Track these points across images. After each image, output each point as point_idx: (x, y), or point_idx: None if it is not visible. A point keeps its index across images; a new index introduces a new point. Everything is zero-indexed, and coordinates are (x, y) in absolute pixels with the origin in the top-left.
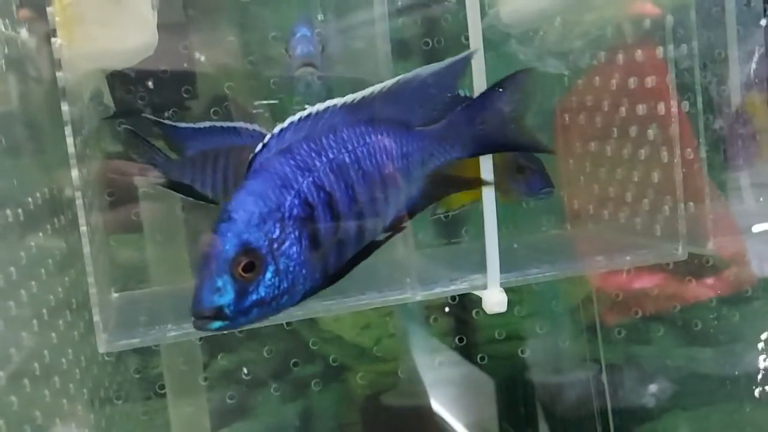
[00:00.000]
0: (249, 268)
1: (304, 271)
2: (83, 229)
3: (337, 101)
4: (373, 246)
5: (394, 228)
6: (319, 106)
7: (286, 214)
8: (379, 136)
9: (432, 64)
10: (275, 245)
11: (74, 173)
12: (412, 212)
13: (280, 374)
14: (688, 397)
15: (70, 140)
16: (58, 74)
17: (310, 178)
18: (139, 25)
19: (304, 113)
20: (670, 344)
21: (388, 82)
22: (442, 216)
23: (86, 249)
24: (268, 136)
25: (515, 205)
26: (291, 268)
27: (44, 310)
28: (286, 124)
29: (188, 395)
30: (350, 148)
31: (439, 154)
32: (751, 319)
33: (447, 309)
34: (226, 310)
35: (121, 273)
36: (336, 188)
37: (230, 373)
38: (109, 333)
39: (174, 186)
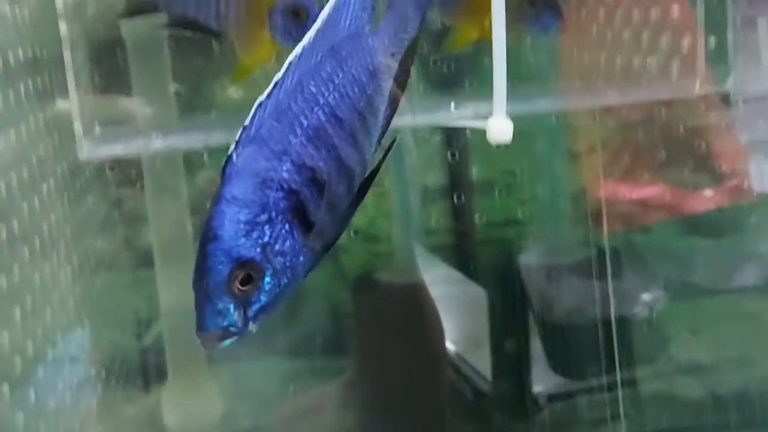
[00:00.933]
0: (246, 281)
1: (302, 258)
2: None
3: (297, 50)
4: (371, 177)
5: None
6: (280, 71)
7: (273, 213)
8: (344, 68)
9: None
10: (268, 249)
11: None
12: (394, 102)
13: None
14: (687, 288)
15: None
16: None
17: (288, 162)
18: None
19: (266, 92)
20: (670, 233)
21: (324, 11)
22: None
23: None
24: (233, 145)
25: (520, 38)
26: (288, 263)
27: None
28: (248, 120)
29: (177, 264)
30: (321, 101)
31: (399, 45)
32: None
33: None
34: (233, 329)
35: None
36: (317, 158)
37: None
38: (91, 140)
39: (179, 22)
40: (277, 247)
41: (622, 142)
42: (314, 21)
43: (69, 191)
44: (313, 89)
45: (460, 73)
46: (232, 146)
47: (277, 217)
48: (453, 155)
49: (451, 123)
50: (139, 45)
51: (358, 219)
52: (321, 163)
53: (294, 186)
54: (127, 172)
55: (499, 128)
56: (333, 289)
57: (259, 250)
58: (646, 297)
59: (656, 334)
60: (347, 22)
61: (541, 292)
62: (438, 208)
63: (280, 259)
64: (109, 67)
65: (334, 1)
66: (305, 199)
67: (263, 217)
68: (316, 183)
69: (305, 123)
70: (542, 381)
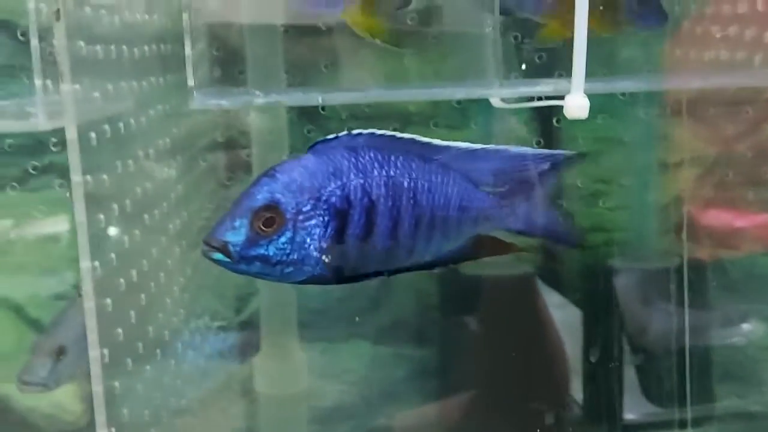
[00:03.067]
0: (268, 223)
1: (317, 255)
2: None
3: (421, 138)
4: (395, 272)
5: (422, 268)
6: (402, 134)
7: (324, 197)
8: (445, 180)
9: (526, 148)
10: (301, 217)
11: None
12: (444, 264)
13: None
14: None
15: None
16: None
17: (362, 181)
18: None
19: (386, 132)
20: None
21: (476, 145)
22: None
23: None
24: (343, 133)
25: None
26: (306, 245)
27: None
28: (364, 131)
29: None
30: (413, 176)
31: (494, 221)
32: None
33: None
34: (232, 249)
35: None
36: (382, 202)
37: None
38: (201, 92)
39: None
40: (308, 222)
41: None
42: None
43: (183, 161)
44: (413, 164)
45: (551, 64)
46: (336, 134)
47: (324, 203)
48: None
49: (529, 101)
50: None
51: None
52: (381, 208)
53: (352, 198)
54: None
55: (576, 104)
56: (421, 280)
57: (294, 210)
58: (744, 326)
59: (753, 363)
60: (488, 166)
61: (635, 316)
62: None
63: (303, 234)
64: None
65: (490, 151)
66: (351, 217)
67: (315, 193)
68: (367, 216)
69: (392, 174)
70: (634, 407)
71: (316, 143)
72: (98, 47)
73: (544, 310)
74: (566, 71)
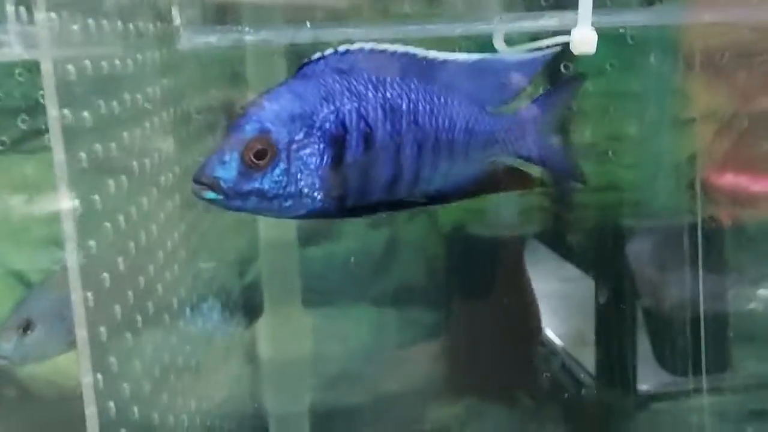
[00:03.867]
0: (260, 155)
1: (316, 186)
2: None
3: (417, 50)
4: (402, 204)
5: (434, 201)
6: (398, 47)
7: (317, 124)
8: (448, 102)
9: (521, 52)
10: (294, 146)
11: None
12: (458, 195)
13: None
14: None
15: None
16: None
17: (357, 104)
18: None
19: (379, 46)
20: None
21: (474, 56)
22: None
23: None
24: (330, 51)
25: None
26: (302, 176)
27: None
28: (354, 46)
29: None
30: (413, 97)
31: (504, 146)
32: None
33: None
34: (223, 185)
35: None
36: (380, 126)
37: None
38: (189, 30)
39: None
40: (302, 152)
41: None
42: None
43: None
44: (412, 85)
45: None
46: (321, 53)
47: (318, 129)
48: None
49: (536, 26)
50: None
51: None
52: (380, 132)
53: (347, 122)
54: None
55: (584, 38)
56: (427, 243)
57: (286, 139)
58: (763, 291)
59: None
60: (491, 80)
61: (649, 280)
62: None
63: (298, 164)
64: None
65: (489, 60)
66: (348, 143)
67: (307, 120)
68: (366, 141)
69: (389, 95)
70: (649, 377)
71: (303, 65)
72: None
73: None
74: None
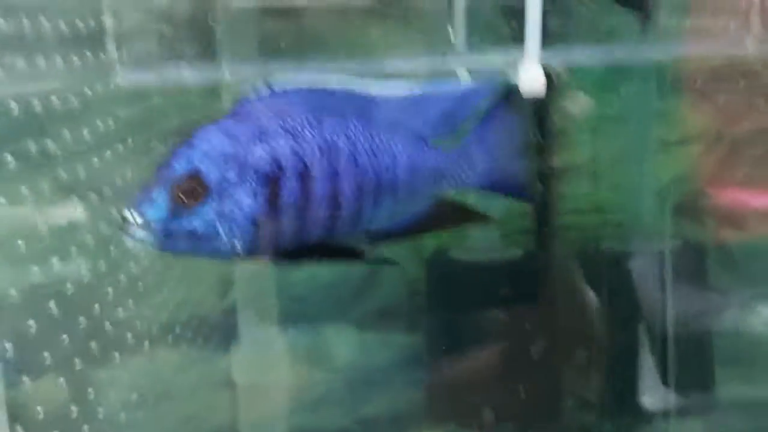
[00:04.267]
0: (189, 194)
1: (250, 229)
2: None
3: (356, 86)
4: (343, 252)
5: (377, 241)
6: (335, 83)
7: (250, 163)
8: (390, 138)
9: (465, 83)
10: (225, 185)
11: None
12: (403, 234)
13: None
14: None
15: None
16: None
17: (293, 143)
18: None
19: (316, 84)
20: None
21: (416, 89)
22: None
23: None
24: (265, 88)
25: None
26: (235, 217)
27: None
28: (291, 85)
29: None
30: (352, 136)
31: (452, 179)
32: None
33: None
34: (153, 225)
35: None
36: (317, 166)
37: None
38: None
39: None
40: (234, 192)
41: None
42: None
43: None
44: (351, 125)
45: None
46: (258, 89)
47: (250, 169)
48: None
49: (482, 60)
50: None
51: None
52: (318, 173)
53: (283, 162)
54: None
55: (530, 75)
56: (408, 265)
57: (217, 179)
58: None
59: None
60: (433, 113)
61: (647, 297)
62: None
63: (230, 204)
64: None
65: (431, 93)
66: (283, 184)
67: (240, 159)
68: (302, 182)
69: (327, 136)
70: (651, 394)
71: (238, 103)
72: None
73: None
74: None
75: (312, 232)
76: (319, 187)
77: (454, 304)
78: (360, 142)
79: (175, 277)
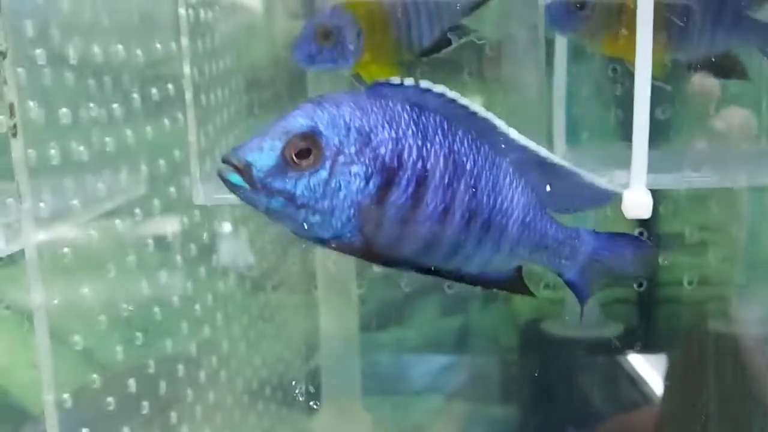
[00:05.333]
0: (302, 154)
1: (349, 211)
2: None
3: (499, 122)
4: (429, 271)
5: (460, 281)
6: (481, 109)
7: (373, 144)
8: (514, 184)
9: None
10: (341, 158)
11: None
12: (483, 284)
13: (441, 287)
14: None
15: None
16: None
17: (420, 143)
18: None
19: (462, 99)
20: None
21: (556, 159)
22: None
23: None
24: (409, 81)
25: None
26: (341, 194)
27: None
28: (437, 87)
29: (339, 293)
30: (480, 163)
31: (551, 256)
32: None
33: None
34: (253, 172)
35: None
36: (437, 176)
37: (389, 278)
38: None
39: None
40: (348, 168)
41: None
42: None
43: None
44: (490, 155)
45: None
46: (400, 79)
47: (371, 151)
48: None
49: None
50: None
51: None
52: (437, 189)
53: (405, 160)
54: None
55: (635, 202)
56: (501, 333)
57: (335, 147)
58: None
59: None
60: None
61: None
62: None
63: (340, 180)
64: None
65: (568, 171)
66: (400, 180)
67: (363, 138)
68: (417, 190)
69: (459, 153)
70: None
71: (377, 83)
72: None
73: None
74: None
75: (407, 247)
76: (432, 199)
77: (549, 377)
78: (486, 171)
79: (268, 339)
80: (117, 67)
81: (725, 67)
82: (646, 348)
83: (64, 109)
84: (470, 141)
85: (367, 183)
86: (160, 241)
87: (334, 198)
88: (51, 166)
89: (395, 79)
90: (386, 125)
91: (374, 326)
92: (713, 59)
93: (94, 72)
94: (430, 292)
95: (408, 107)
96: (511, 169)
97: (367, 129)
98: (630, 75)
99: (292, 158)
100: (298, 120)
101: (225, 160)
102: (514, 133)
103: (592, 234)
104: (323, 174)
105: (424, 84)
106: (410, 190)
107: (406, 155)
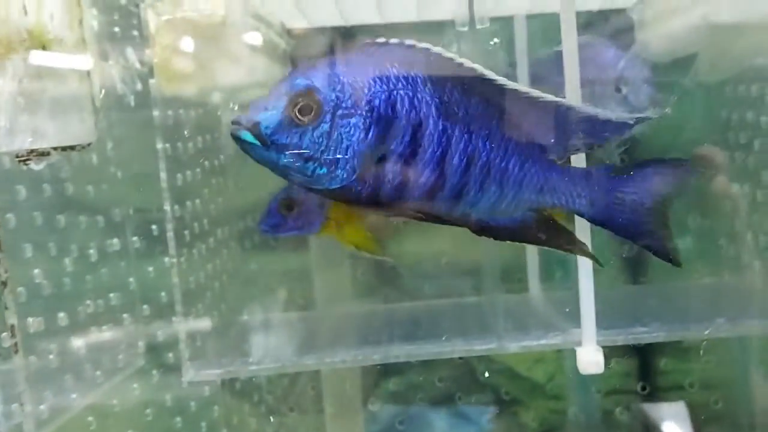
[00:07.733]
0: (305, 111)
1: (353, 162)
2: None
3: (488, 72)
4: (438, 219)
5: (478, 231)
6: (467, 61)
7: (366, 96)
8: (513, 137)
9: (603, 110)
10: (340, 111)
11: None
12: (502, 234)
13: (449, 402)
14: None
15: (163, 175)
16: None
17: (411, 93)
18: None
19: (447, 53)
20: None
21: (553, 98)
22: None
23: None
24: (395, 39)
25: None
26: (342, 145)
27: None
28: (422, 44)
29: (346, 413)
30: (471, 111)
31: (560, 195)
32: None
33: None
34: (262, 130)
35: None
36: (432, 125)
37: (399, 395)
38: (192, 364)
39: None
40: (346, 120)
41: None
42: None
43: None
44: (481, 104)
45: None
46: (386, 39)
47: (366, 104)
48: None
49: (538, 346)
50: None
51: (539, 374)
52: (433, 136)
53: (399, 110)
54: None
55: (588, 359)
56: None
57: (334, 103)
58: None
59: None
60: (564, 125)
61: None
62: (621, 368)
63: (341, 131)
64: None
65: (565, 108)
66: (394, 130)
67: (358, 92)
68: (414, 137)
69: (450, 103)
70: None
71: (366, 43)
72: None
73: None
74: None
75: (411, 193)
76: (429, 145)
77: None
78: (478, 118)
79: None
80: None
81: None
82: None
83: None
84: (460, 90)
85: (366, 133)
86: None
87: (338, 149)
88: None
89: (381, 39)
90: (378, 80)
91: None
92: None
93: None
94: (440, 407)
95: (397, 63)
96: (503, 114)
97: (360, 84)
98: None
99: (296, 114)
100: (297, 80)
101: (235, 122)
102: (502, 80)
103: (607, 169)
104: (325, 127)
105: (409, 41)
106: (407, 138)
107: (399, 105)
